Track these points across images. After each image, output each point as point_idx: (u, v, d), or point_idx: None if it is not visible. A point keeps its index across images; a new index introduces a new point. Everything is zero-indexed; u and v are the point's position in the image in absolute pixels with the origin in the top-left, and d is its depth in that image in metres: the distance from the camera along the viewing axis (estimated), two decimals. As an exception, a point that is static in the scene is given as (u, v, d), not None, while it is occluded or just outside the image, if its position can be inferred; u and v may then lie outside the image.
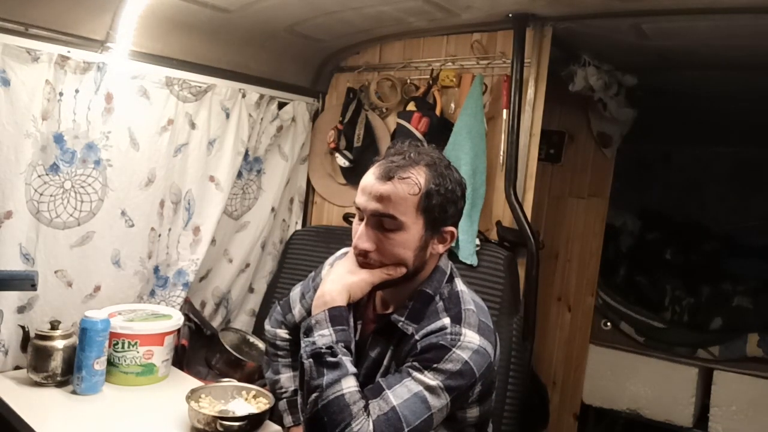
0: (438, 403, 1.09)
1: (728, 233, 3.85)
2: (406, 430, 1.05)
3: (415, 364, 1.11)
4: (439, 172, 1.17)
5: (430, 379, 1.09)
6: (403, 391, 1.08)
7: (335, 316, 1.14)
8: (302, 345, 1.13)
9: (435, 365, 1.10)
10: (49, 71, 1.60)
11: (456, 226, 1.23)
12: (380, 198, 1.13)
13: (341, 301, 1.16)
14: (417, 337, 1.16)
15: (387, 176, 1.14)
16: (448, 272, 1.27)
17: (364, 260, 1.19)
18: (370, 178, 1.17)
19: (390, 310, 1.27)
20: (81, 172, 1.75)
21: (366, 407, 1.06)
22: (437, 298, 1.22)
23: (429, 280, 1.23)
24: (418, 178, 1.14)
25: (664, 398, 2.94)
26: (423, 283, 1.23)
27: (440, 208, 1.16)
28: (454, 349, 1.11)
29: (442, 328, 1.15)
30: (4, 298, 1.64)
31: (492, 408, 1.29)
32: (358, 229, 1.19)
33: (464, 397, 1.15)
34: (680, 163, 4.12)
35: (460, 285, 1.26)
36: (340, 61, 2.44)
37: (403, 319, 1.20)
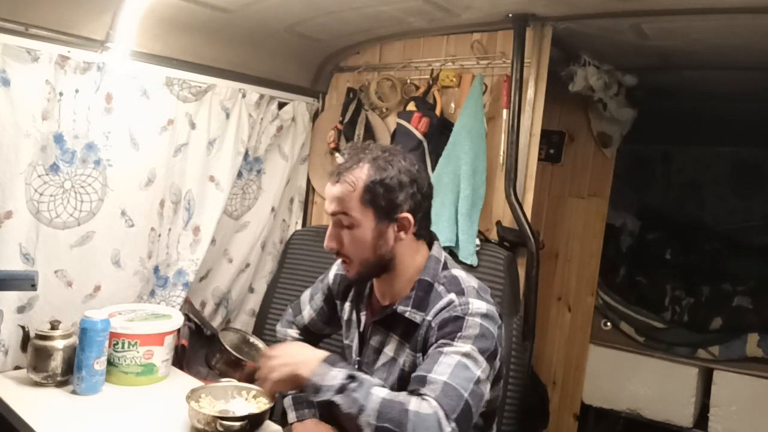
0: (478, 366, 1.14)
1: (728, 233, 3.84)
2: (465, 395, 1.09)
3: (441, 341, 1.16)
4: (380, 165, 1.24)
5: (461, 346, 1.14)
6: (444, 368, 1.12)
7: (329, 360, 1.16)
8: (324, 398, 1.11)
9: (459, 334, 1.16)
10: (49, 71, 1.60)
11: (414, 212, 1.26)
12: (333, 199, 1.28)
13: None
14: (429, 318, 1.22)
15: (336, 179, 1.28)
16: (443, 260, 1.33)
17: (338, 257, 1.35)
18: (328, 184, 1.31)
19: (387, 302, 1.34)
20: (81, 172, 1.74)
21: (411, 392, 1.10)
22: (436, 284, 1.28)
23: (425, 269, 1.29)
24: (356, 176, 1.24)
25: (664, 398, 2.94)
26: (420, 272, 1.29)
27: (385, 197, 1.23)
28: (467, 317, 1.18)
29: (450, 302, 1.22)
30: (4, 298, 1.64)
31: (499, 398, 1.34)
32: None
33: (494, 359, 1.19)
34: (680, 163, 4.12)
35: (457, 271, 1.31)
36: (340, 61, 2.44)
37: (409, 308, 1.26)
